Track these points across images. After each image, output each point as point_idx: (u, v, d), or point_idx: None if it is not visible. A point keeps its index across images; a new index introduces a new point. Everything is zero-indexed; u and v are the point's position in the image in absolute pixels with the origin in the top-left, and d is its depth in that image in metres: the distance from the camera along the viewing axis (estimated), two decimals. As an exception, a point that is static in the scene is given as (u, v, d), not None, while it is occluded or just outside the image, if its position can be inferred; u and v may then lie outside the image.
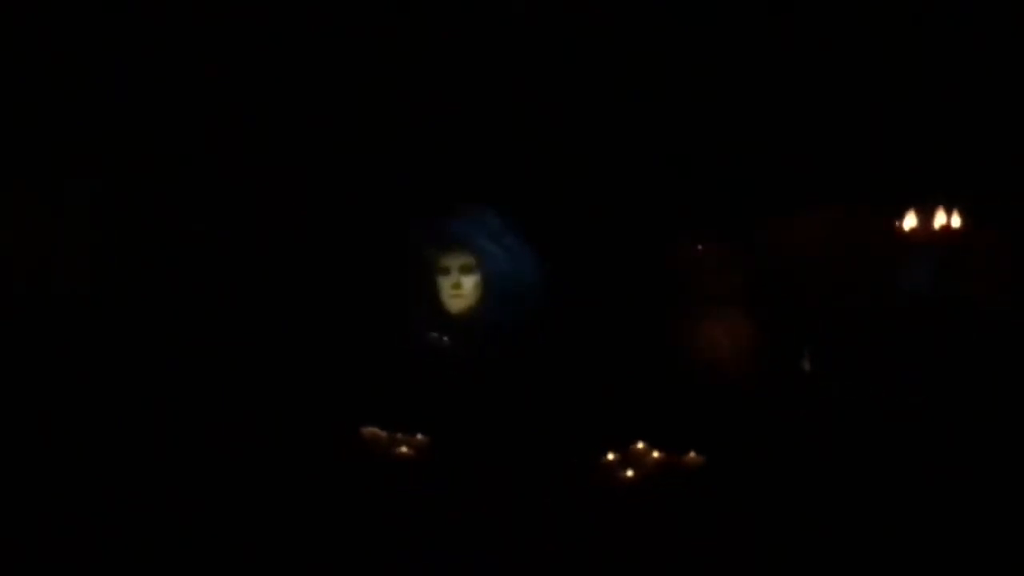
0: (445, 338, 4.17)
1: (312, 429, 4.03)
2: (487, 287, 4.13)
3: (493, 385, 4.05)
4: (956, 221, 4.24)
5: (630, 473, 3.85)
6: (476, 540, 3.73)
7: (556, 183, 4.39)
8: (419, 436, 3.95)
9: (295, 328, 4.25)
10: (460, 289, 4.14)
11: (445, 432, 3.97)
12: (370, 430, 3.96)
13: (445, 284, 4.16)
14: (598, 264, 4.34)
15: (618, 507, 3.79)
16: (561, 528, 3.76)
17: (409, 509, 3.84)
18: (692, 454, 3.83)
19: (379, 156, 4.43)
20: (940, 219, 4.24)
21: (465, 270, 4.14)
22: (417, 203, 4.29)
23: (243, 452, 3.98)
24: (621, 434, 3.91)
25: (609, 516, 3.77)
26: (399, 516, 3.82)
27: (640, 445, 3.90)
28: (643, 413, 4.00)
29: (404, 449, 3.94)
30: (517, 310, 4.10)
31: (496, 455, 3.95)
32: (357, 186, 4.40)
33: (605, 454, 3.90)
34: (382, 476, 3.91)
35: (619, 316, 4.22)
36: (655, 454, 3.89)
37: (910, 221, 4.26)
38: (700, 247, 4.30)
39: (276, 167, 4.35)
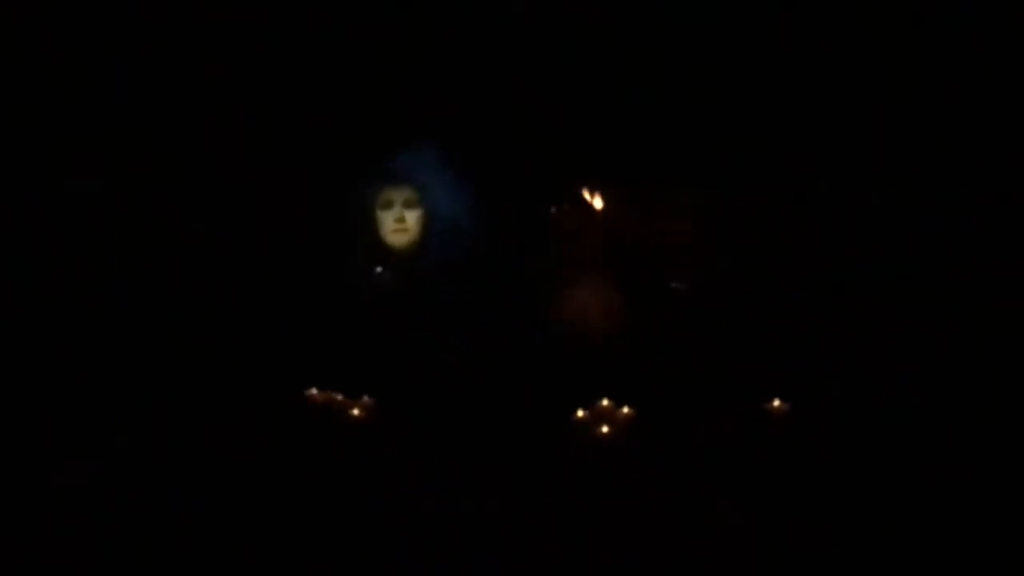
0: (388, 274, 3.97)
1: (257, 389, 3.78)
2: (429, 222, 3.97)
3: (440, 329, 3.88)
4: (597, 203, 4.07)
5: (605, 429, 3.72)
6: (458, 511, 3.58)
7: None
8: (366, 398, 3.76)
9: (233, 276, 3.97)
10: (404, 223, 3.96)
11: (397, 388, 3.78)
12: (321, 394, 3.72)
13: (387, 218, 3.97)
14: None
15: (604, 464, 3.68)
16: (547, 488, 3.63)
17: (372, 477, 3.65)
18: (777, 401, 3.75)
19: (321, 92, 4.13)
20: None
21: (408, 204, 3.96)
22: (359, 139, 4.07)
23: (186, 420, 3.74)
24: (579, 391, 3.78)
25: (596, 473, 3.66)
26: (363, 486, 3.63)
27: (605, 402, 3.76)
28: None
29: (356, 412, 3.72)
30: (459, 247, 3.96)
31: (456, 408, 3.78)
32: (296, 124, 4.11)
33: (573, 411, 3.75)
34: (337, 441, 3.69)
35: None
36: (625, 410, 3.75)
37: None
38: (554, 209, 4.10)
39: (214, 100, 4.07)
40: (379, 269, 3.96)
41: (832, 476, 3.67)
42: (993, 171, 3.96)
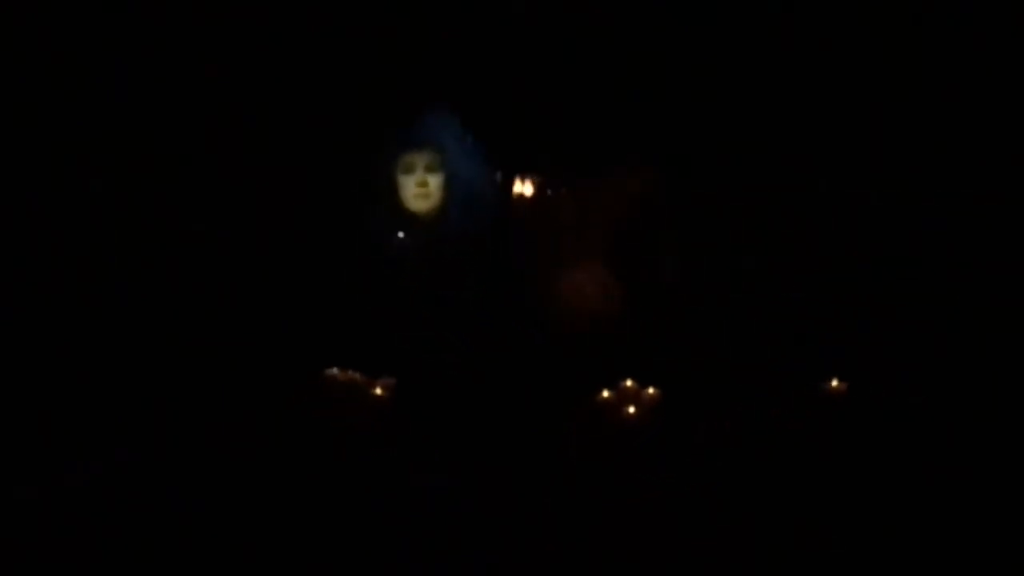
0: (409, 240, 3.88)
1: (278, 363, 3.73)
2: (450, 187, 3.87)
3: (461, 300, 3.83)
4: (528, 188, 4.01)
5: (632, 410, 3.67)
6: (480, 491, 3.55)
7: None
8: (387, 378, 3.70)
9: (253, 247, 3.94)
10: (426, 187, 3.85)
11: (418, 362, 3.73)
12: (344, 373, 3.66)
13: (409, 182, 3.86)
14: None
15: (630, 444, 3.64)
16: (571, 468, 3.59)
17: (397, 455, 3.62)
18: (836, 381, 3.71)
19: (343, 57, 4.05)
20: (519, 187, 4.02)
21: (430, 169, 3.85)
22: (380, 104, 3.98)
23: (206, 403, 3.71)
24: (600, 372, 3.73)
25: (622, 453, 3.63)
26: (390, 468, 3.59)
27: (629, 383, 3.71)
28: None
29: (379, 391, 3.67)
30: (480, 213, 3.88)
31: (476, 384, 3.73)
32: (318, 88, 4.03)
33: (599, 392, 3.70)
34: (360, 422, 3.65)
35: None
36: (650, 391, 3.70)
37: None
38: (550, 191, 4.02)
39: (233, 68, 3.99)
40: (400, 234, 3.87)
41: (854, 461, 3.66)
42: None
